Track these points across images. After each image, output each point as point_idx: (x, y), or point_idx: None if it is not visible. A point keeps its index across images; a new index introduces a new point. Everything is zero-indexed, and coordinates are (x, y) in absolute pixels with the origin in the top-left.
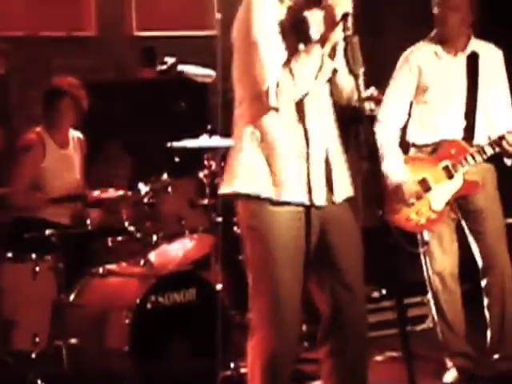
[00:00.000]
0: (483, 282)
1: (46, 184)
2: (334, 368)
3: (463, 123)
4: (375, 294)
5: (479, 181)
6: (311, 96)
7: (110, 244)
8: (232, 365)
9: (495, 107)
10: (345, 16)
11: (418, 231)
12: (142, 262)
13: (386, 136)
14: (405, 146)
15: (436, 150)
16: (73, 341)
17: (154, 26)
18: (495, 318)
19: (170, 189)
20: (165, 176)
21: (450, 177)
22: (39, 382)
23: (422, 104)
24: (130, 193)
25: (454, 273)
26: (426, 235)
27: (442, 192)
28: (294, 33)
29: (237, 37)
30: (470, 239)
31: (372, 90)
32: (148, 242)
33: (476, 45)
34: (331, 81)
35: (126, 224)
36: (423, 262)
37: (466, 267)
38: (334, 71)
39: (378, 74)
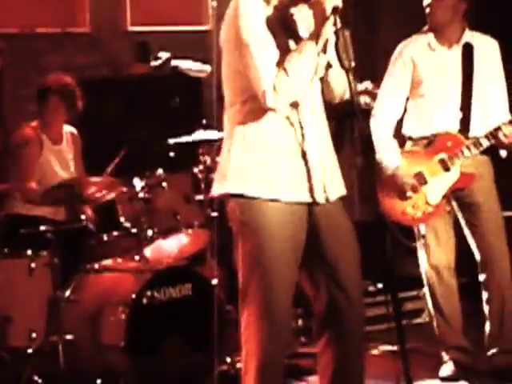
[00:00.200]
0: (481, 277)
1: (42, 180)
2: (331, 360)
3: (459, 115)
4: (371, 288)
5: (475, 173)
6: (305, 94)
7: (105, 239)
8: (228, 360)
9: (491, 99)
10: (335, 10)
11: (415, 225)
12: (137, 257)
13: (380, 129)
14: (401, 139)
15: (432, 142)
16: (69, 337)
17: (149, 21)
18: (494, 313)
19: (165, 184)
20: (160, 171)
21: (446, 169)
22: (35, 378)
23: (418, 97)
24: (125, 188)
25: (450, 266)
26: (423, 229)
27: (439, 185)
28: (283, 31)
29: (226, 40)
30: (467, 232)
31: (367, 84)
32: (143, 238)
33: (471, 36)
34: (323, 79)
35: (122, 219)
36: (419, 255)
37: (463, 261)
38: (327, 67)
39: (374, 67)
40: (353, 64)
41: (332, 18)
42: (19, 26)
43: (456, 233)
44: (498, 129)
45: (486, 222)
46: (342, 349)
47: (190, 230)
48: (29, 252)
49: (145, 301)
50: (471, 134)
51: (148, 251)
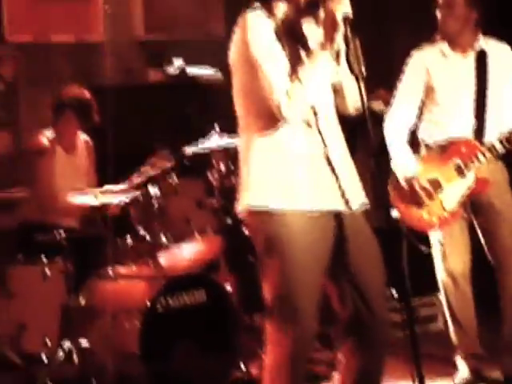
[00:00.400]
0: (497, 283)
1: (56, 188)
2: (354, 365)
3: (473, 122)
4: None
5: (490, 178)
6: (321, 102)
7: (119, 245)
8: (242, 366)
9: (505, 105)
10: (345, 19)
11: (431, 231)
12: (151, 263)
13: (395, 136)
14: (416, 145)
15: (447, 148)
16: (83, 343)
17: (162, 28)
18: (509, 319)
19: (178, 190)
20: (173, 177)
21: (462, 175)
22: None
23: (432, 104)
24: (138, 194)
25: (465, 273)
26: (439, 235)
27: (454, 191)
28: (293, 43)
29: (236, 58)
30: (483, 239)
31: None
32: (157, 244)
33: (485, 43)
34: (337, 91)
35: (136, 225)
36: (435, 262)
37: (479, 267)
38: (342, 77)
39: (387, 75)
40: (364, 72)
41: (343, 28)
42: (33, 34)
43: (471, 238)
44: None
45: (501, 228)
46: (366, 356)
47: (203, 237)
48: (43, 258)
49: (159, 308)
50: (486, 140)
51: (162, 258)
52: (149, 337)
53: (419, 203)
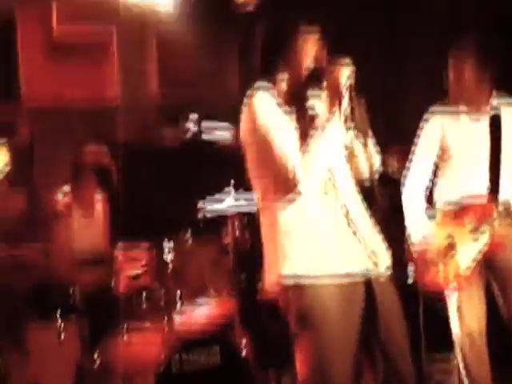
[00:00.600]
0: None
1: (72, 250)
2: None
3: (488, 182)
4: None
5: (505, 238)
6: (335, 167)
7: (133, 302)
8: None
9: None
10: (350, 85)
11: (447, 290)
12: (165, 323)
13: (411, 199)
14: (431, 204)
15: (461, 209)
16: None
17: (178, 87)
18: None
19: (193, 248)
20: (188, 235)
21: (476, 235)
22: None
23: (447, 165)
24: (154, 251)
25: (481, 330)
26: (455, 293)
27: (469, 251)
28: (300, 113)
29: (246, 137)
30: (499, 298)
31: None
32: (171, 302)
33: (499, 101)
34: (350, 155)
35: (151, 284)
36: (451, 320)
37: (495, 326)
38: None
39: (402, 131)
40: (370, 132)
41: (347, 92)
42: (49, 100)
43: (487, 297)
44: None
45: None
46: None
47: (217, 295)
48: (58, 317)
49: (174, 369)
50: (501, 200)
51: (176, 317)
52: None
53: (435, 263)
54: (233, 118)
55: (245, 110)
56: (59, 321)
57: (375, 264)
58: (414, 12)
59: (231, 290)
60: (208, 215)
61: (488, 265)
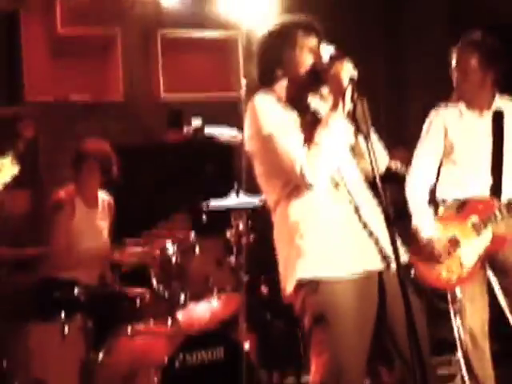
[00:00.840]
0: None
1: (74, 244)
2: None
3: (490, 180)
4: None
5: (507, 236)
6: (343, 164)
7: (138, 303)
8: None
9: None
10: (351, 80)
11: (450, 289)
12: (169, 321)
13: (416, 196)
14: (434, 203)
15: (464, 206)
16: None
17: (181, 88)
18: None
19: (197, 248)
20: (192, 235)
21: (479, 233)
22: None
23: (450, 162)
24: (157, 252)
25: (484, 330)
26: (458, 292)
27: (472, 248)
28: (303, 113)
29: (251, 140)
30: (500, 296)
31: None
32: (175, 301)
33: (501, 102)
34: (358, 153)
35: (154, 283)
36: (454, 319)
37: (497, 325)
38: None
39: (404, 133)
40: (371, 131)
41: (350, 89)
42: (53, 94)
43: (489, 295)
44: None
45: None
46: None
47: (221, 294)
48: (62, 316)
49: (177, 365)
50: (503, 197)
51: (180, 315)
52: None
53: (438, 261)
54: (235, 118)
55: (247, 114)
56: (63, 319)
57: (387, 259)
58: (415, 12)
59: (235, 287)
60: (211, 213)
61: (491, 264)
